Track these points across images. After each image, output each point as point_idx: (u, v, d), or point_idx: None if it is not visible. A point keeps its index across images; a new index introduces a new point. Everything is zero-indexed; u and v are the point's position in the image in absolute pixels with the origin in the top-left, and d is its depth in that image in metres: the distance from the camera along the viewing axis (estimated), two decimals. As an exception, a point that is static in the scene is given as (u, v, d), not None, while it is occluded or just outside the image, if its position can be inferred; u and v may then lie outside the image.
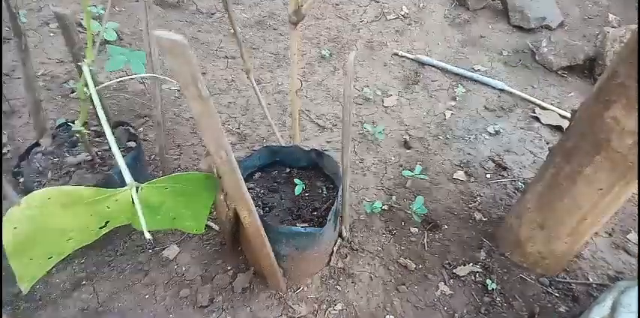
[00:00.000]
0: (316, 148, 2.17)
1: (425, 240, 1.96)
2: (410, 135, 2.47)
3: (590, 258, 1.94)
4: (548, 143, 2.50)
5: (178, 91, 2.58)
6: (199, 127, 0.89)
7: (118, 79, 1.35)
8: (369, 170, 2.26)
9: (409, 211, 2.04)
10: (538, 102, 2.73)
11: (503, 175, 2.29)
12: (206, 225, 1.95)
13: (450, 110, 2.66)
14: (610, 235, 2.05)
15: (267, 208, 1.71)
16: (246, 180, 1.81)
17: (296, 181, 1.75)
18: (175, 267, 1.79)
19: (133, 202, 0.97)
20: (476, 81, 2.87)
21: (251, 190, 1.75)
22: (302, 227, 1.60)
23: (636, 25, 2.83)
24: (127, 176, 0.97)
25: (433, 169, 2.29)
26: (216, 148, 0.95)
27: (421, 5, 3.44)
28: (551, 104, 2.74)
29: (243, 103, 2.55)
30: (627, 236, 2.04)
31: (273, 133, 2.37)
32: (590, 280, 1.86)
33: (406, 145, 2.40)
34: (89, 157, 1.70)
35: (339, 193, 1.61)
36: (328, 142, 2.37)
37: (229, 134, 2.36)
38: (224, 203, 1.52)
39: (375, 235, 1.97)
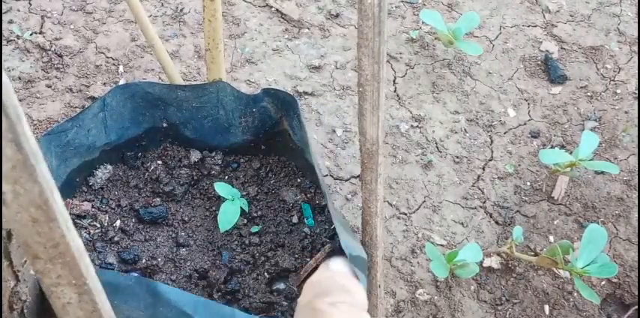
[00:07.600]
0: (277, 88, 1.00)
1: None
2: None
3: None
4: None
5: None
6: None
7: None
8: (440, 152, 1.03)
9: (565, 270, 0.84)
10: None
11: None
12: None
13: None
14: None
15: (138, 273, 0.60)
16: (70, 186, 0.70)
17: (218, 187, 0.62)
18: None
19: None
20: None
21: (84, 223, 0.63)
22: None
23: None
24: None
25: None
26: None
27: None
28: None
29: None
30: None
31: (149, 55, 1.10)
32: None
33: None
34: None
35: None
36: (309, 73, 1.13)
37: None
38: (5, 265, 0.53)
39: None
